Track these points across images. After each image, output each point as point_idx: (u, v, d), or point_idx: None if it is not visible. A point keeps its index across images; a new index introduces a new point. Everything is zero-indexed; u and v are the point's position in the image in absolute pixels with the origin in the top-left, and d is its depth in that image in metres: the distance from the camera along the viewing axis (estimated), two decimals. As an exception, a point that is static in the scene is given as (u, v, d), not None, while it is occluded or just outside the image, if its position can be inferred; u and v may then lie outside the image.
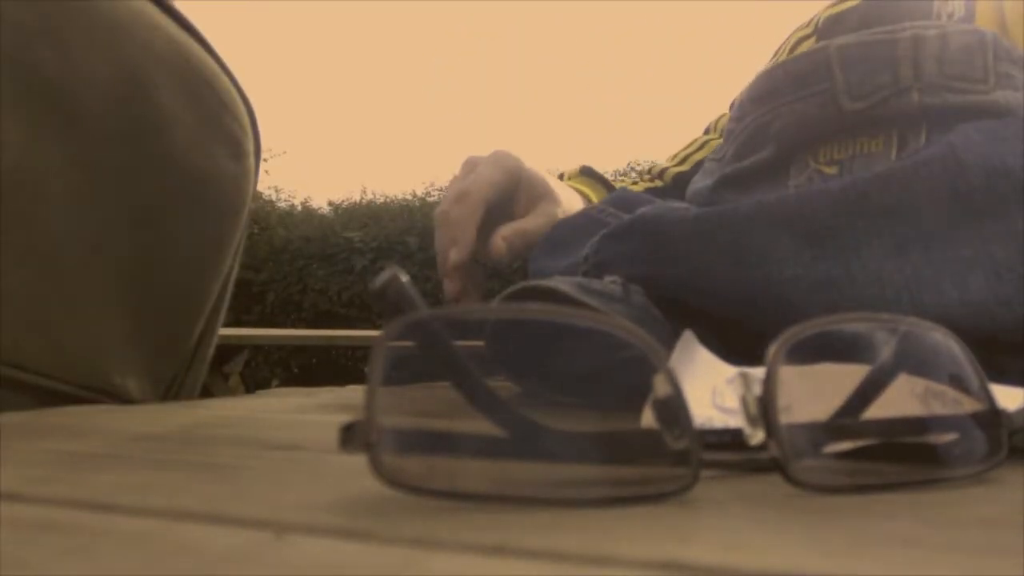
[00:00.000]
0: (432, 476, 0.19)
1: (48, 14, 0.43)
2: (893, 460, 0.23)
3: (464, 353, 0.22)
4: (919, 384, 0.24)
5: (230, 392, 2.99)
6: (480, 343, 0.37)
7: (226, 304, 0.52)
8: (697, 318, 0.37)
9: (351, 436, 0.19)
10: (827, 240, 0.36)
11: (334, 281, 5.82)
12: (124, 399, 0.46)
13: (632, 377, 0.22)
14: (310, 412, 0.41)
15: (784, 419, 0.21)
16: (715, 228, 0.39)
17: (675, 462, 0.21)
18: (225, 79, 0.51)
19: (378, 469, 0.19)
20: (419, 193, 6.74)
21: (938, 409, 0.24)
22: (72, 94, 0.43)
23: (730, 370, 0.31)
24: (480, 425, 0.22)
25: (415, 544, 0.17)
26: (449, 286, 0.57)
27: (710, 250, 0.39)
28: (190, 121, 0.48)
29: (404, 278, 0.22)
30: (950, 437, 0.24)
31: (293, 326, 5.71)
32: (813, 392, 0.23)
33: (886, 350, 0.24)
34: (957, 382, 0.24)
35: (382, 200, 6.62)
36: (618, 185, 0.78)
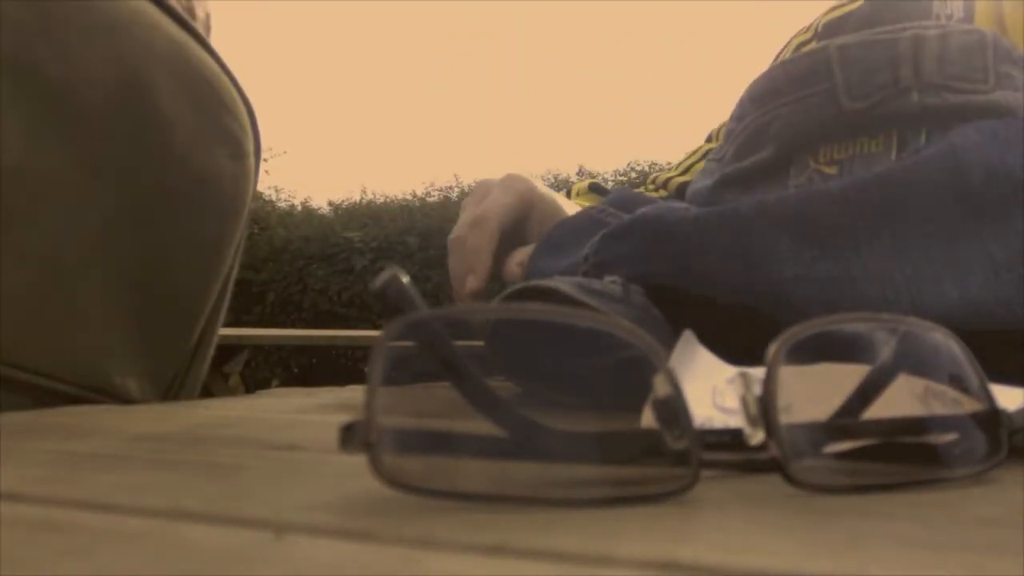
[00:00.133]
0: (432, 476, 0.19)
1: (48, 14, 0.43)
2: (893, 460, 0.23)
3: (464, 353, 0.22)
4: (919, 384, 0.24)
5: (230, 392, 3.00)
6: (480, 343, 0.37)
7: (226, 304, 0.52)
8: (697, 318, 0.37)
9: (351, 436, 0.19)
10: (827, 240, 0.36)
11: (334, 281, 5.82)
12: (124, 399, 0.46)
13: (632, 377, 0.22)
14: (310, 412, 0.41)
15: (784, 419, 0.21)
16: (715, 228, 0.39)
17: (675, 462, 0.21)
18: (225, 79, 0.51)
19: (378, 469, 0.19)
20: (419, 193, 6.74)
21: (938, 409, 0.24)
22: (72, 94, 0.43)
23: (730, 370, 0.31)
24: (480, 425, 0.22)
25: (415, 544, 0.17)
26: None
27: (710, 250, 0.39)
28: (190, 121, 0.48)
29: (404, 278, 0.22)
30: (950, 437, 0.24)
31: (293, 326, 5.71)
32: (813, 392, 0.23)
33: (886, 350, 0.24)
34: (957, 382, 0.24)
35: (382, 200, 6.63)
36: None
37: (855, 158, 0.42)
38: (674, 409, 0.21)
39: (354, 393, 0.51)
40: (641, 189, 0.78)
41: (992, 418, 0.24)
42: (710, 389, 0.29)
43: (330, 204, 6.78)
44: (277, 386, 5.33)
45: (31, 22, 0.42)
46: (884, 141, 0.42)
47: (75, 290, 0.44)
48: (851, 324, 0.25)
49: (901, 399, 0.24)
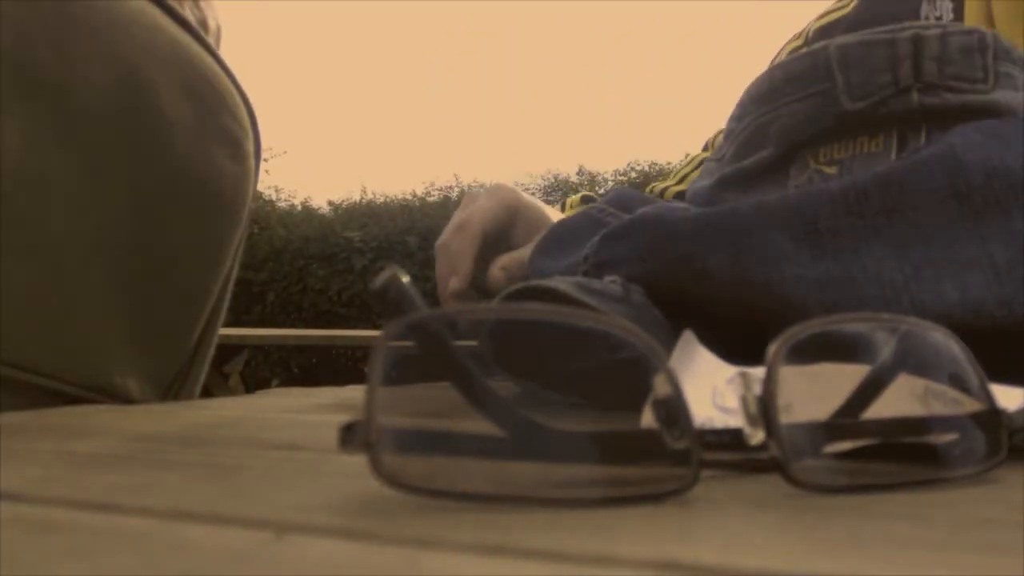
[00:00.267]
0: (432, 476, 0.19)
1: (48, 14, 0.43)
2: (893, 460, 0.23)
3: (464, 353, 0.22)
4: (919, 384, 0.24)
5: (230, 392, 3.00)
6: (477, 343, 0.37)
7: (226, 304, 0.52)
8: (697, 318, 0.37)
9: (351, 436, 0.19)
10: (827, 240, 0.36)
11: (334, 281, 5.82)
12: (124, 399, 0.46)
13: (632, 377, 0.22)
14: (310, 412, 0.41)
15: (784, 419, 0.21)
16: (715, 228, 0.39)
17: (675, 462, 0.21)
18: (225, 79, 0.51)
19: (378, 469, 0.19)
20: (419, 193, 6.75)
21: (938, 409, 0.24)
22: (72, 95, 0.43)
23: (730, 370, 0.31)
24: (480, 425, 0.22)
25: (415, 544, 0.17)
26: None
27: (710, 250, 0.39)
28: (190, 121, 0.48)
29: (404, 278, 0.22)
30: (950, 437, 0.24)
31: (293, 326, 5.71)
32: (813, 392, 0.23)
33: (886, 350, 0.24)
34: (957, 382, 0.24)
35: (382, 200, 6.63)
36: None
37: (855, 158, 0.42)
38: (674, 409, 0.21)
39: (354, 393, 0.51)
40: None
41: (992, 418, 0.24)
42: (710, 389, 0.29)
43: (330, 204, 6.78)
44: (277, 386, 5.33)
45: (31, 22, 0.42)
46: (884, 141, 0.42)
47: (75, 290, 0.44)
48: (851, 324, 0.25)
49: (901, 399, 0.24)
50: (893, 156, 0.41)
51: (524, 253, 0.60)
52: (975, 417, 0.24)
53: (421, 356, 0.22)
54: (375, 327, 4.68)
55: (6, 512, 0.19)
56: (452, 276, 0.60)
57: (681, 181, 0.76)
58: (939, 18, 0.63)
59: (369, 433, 0.19)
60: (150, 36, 0.47)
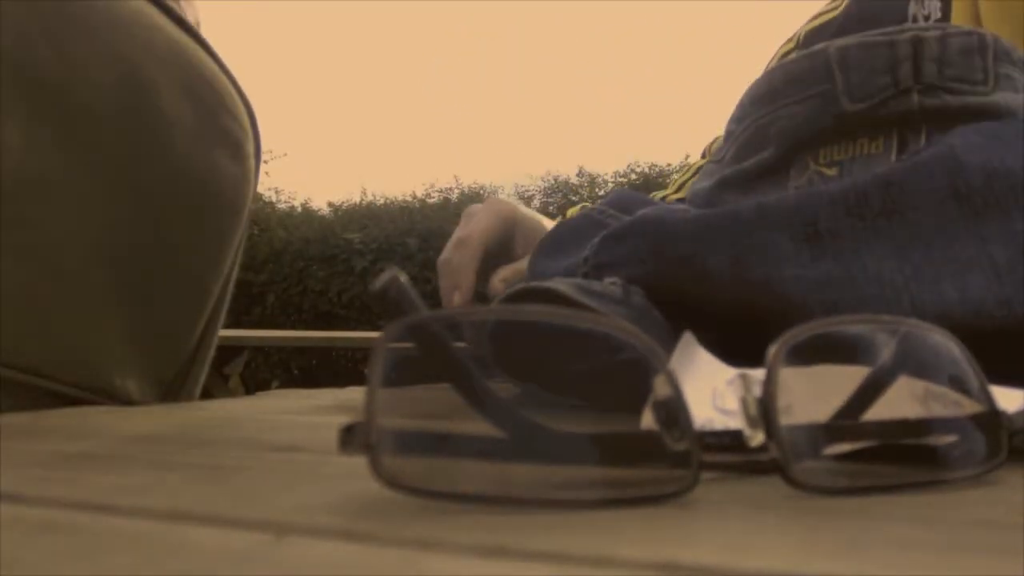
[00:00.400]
0: (432, 477, 0.19)
1: (48, 14, 0.43)
2: (893, 462, 0.23)
3: (464, 355, 0.22)
4: (919, 386, 0.24)
5: (230, 393, 3.00)
6: (478, 345, 0.37)
7: (226, 305, 0.52)
8: (697, 319, 0.37)
9: (351, 438, 0.19)
10: (827, 241, 0.36)
11: (334, 282, 5.82)
12: (124, 400, 0.46)
13: (632, 378, 0.22)
14: (310, 413, 0.41)
15: (784, 421, 0.21)
16: (715, 229, 0.39)
17: (675, 464, 0.21)
18: (225, 80, 0.51)
19: (378, 471, 0.19)
20: (419, 194, 6.75)
21: (938, 411, 0.24)
22: (72, 94, 0.43)
23: (730, 371, 0.31)
24: (480, 427, 0.22)
25: (415, 545, 0.17)
26: None
27: (710, 251, 0.39)
28: (190, 122, 0.48)
29: (404, 279, 0.22)
30: (950, 439, 0.24)
31: (293, 327, 5.71)
32: (813, 393, 0.23)
33: (886, 351, 0.24)
34: (957, 384, 0.24)
35: (382, 201, 6.63)
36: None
37: (855, 159, 0.42)
38: (674, 410, 0.21)
39: (354, 394, 0.51)
40: None
41: (992, 420, 0.24)
42: (710, 390, 0.29)
43: (330, 205, 6.78)
44: (277, 387, 5.33)
45: (31, 22, 0.42)
46: (884, 142, 0.42)
47: (75, 291, 0.44)
48: (851, 325, 0.25)
49: (901, 401, 0.24)
50: (893, 157, 0.41)
51: (524, 264, 0.61)
52: (975, 419, 0.24)
53: (421, 357, 0.22)
54: (375, 329, 4.68)
55: (6, 513, 0.19)
56: (455, 291, 0.61)
57: (679, 189, 0.76)
58: (927, 17, 0.63)
59: (369, 434, 0.19)
60: (150, 36, 0.47)
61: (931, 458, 0.24)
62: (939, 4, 0.61)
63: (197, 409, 0.43)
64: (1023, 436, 0.25)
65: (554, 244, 0.50)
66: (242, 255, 0.53)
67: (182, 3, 0.52)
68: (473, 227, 0.62)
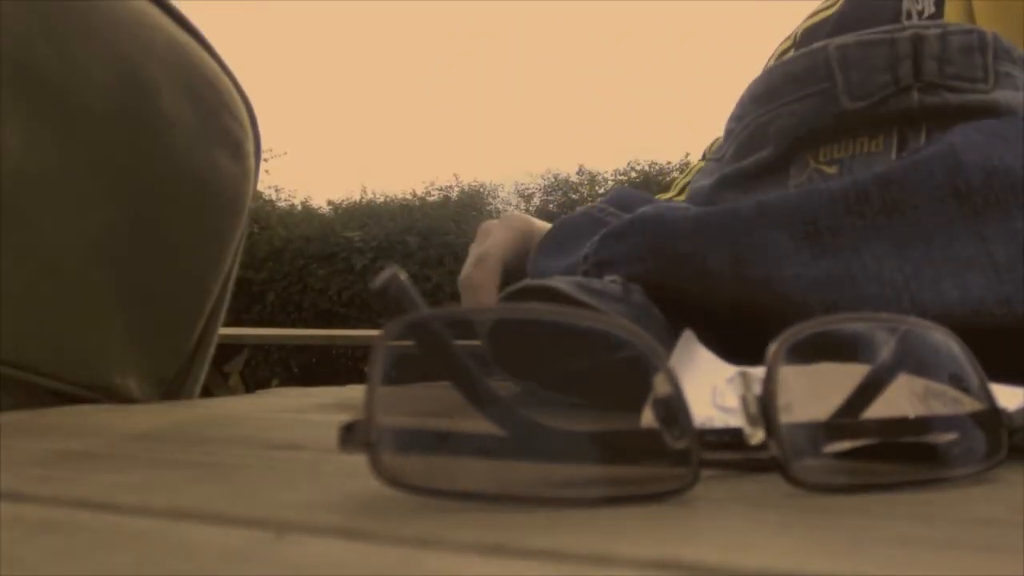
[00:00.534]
0: (432, 476, 0.19)
1: (48, 14, 0.43)
2: (893, 460, 0.23)
3: (464, 352, 0.22)
4: (919, 384, 0.24)
5: (230, 392, 3.00)
6: (478, 343, 0.37)
7: (226, 304, 0.52)
8: (697, 317, 0.37)
9: (351, 436, 0.19)
10: (827, 239, 0.36)
11: (334, 280, 5.83)
12: (124, 399, 0.46)
13: (632, 376, 0.22)
14: (310, 412, 0.41)
15: (784, 418, 0.21)
16: (715, 227, 0.39)
17: (675, 462, 0.21)
18: (225, 79, 0.51)
19: (378, 469, 0.19)
20: (419, 192, 6.75)
21: (938, 409, 0.24)
22: (72, 94, 0.43)
23: (730, 369, 0.31)
24: (480, 425, 0.22)
25: (415, 543, 0.17)
26: None
27: (710, 249, 0.39)
28: (190, 121, 0.48)
29: (404, 277, 0.22)
30: (950, 437, 0.24)
31: (293, 325, 5.71)
32: (813, 391, 0.23)
33: (886, 350, 0.24)
34: (957, 381, 0.24)
35: (382, 199, 6.64)
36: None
37: (855, 157, 0.42)
38: (674, 408, 0.21)
39: (354, 392, 0.51)
40: None
41: (992, 418, 0.24)
42: (710, 388, 0.29)
43: (330, 204, 6.78)
44: (277, 386, 5.33)
45: (31, 22, 0.42)
46: (884, 140, 0.42)
47: (75, 290, 0.44)
48: (851, 323, 0.25)
49: (901, 399, 0.24)
50: (893, 156, 0.41)
51: None
52: (975, 417, 0.24)
53: (421, 355, 0.22)
54: (375, 327, 4.68)
55: (6, 512, 0.19)
56: None
57: (681, 191, 0.77)
58: (920, 12, 0.63)
59: (369, 432, 0.19)
60: (150, 35, 0.47)
61: (931, 456, 0.24)
62: None
63: (197, 407, 0.43)
64: (1023, 434, 0.25)
65: (554, 242, 0.50)
66: (242, 253, 0.53)
67: None
68: (491, 243, 0.62)
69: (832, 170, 0.43)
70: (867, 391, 0.24)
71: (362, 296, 5.65)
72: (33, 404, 0.41)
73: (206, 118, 0.49)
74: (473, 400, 0.23)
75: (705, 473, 0.21)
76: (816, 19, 0.69)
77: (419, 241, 5.68)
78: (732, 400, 0.26)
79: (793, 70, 0.44)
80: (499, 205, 6.78)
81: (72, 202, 0.43)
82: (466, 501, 0.19)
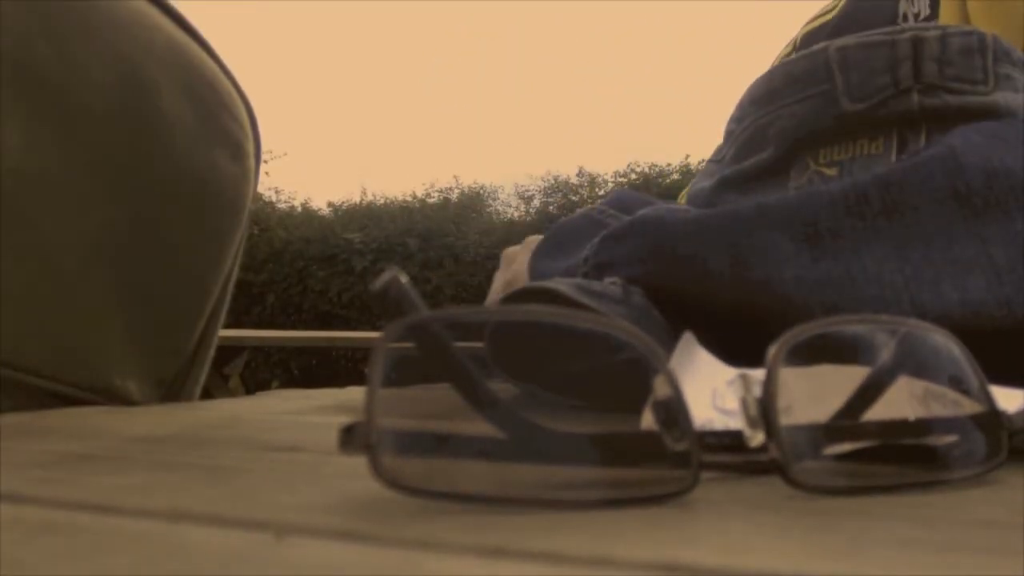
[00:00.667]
0: (432, 478, 0.19)
1: (48, 14, 0.43)
2: (893, 462, 0.23)
3: (464, 355, 0.22)
4: (919, 386, 0.24)
5: (230, 393, 3.00)
6: (480, 344, 0.37)
7: (226, 305, 0.52)
8: (697, 319, 0.37)
9: (351, 438, 0.19)
10: (827, 241, 0.36)
11: (334, 282, 5.83)
12: (124, 400, 0.46)
13: (632, 379, 0.22)
14: (310, 413, 0.41)
15: (784, 421, 0.21)
16: (715, 229, 0.39)
17: (675, 464, 0.21)
18: (225, 80, 0.51)
19: (378, 471, 0.19)
20: (419, 194, 6.75)
21: (938, 411, 0.24)
22: (72, 94, 0.43)
23: (730, 372, 0.31)
24: (480, 427, 0.22)
25: (415, 545, 0.17)
26: None
27: (710, 251, 0.39)
28: (190, 122, 0.48)
29: (404, 279, 0.22)
30: (950, 439, 0.24)
31: (293, 327, 5.71)
32: (813, 394, 0.23)
33: (886, 352, 0.24)
34: (957, 384, 0.24)
35: (382, 201, 6.64)
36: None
37: (855, 159, 0.42)
38: (674, 411, 0.21)
39: (354, 394, 0.51)
40: None
41: (992, 420, 0.24)
42: (710, 391, 0.29)
43: (330, 205, 6.78)
44: (277, 387, 5.33)
45: (31, 22, 0.42)
46: (884, 142, 0.42)
47: (75, 291, 0.44)
48: (851, 326, 0.25)
49: (901, 401, 0.24)
50: (893, 158, 0.41)
51: None
52: (975, 419, 0.24)
53: (421, 358, 0.22)
54: (375, 329, 4.68)
55: (6, 513, 0.19)
56: None
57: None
58: (917, 15, 0.63)
59: (369, 435, 0.19)
60: (150, 36, 0.47)
61: (931, 458, 0.24)
62: (927, 1, 0.62)
63: (197, 409, 0.43)
64: (1023, 436, 0.25)
65: (554, 244, 0.50)
66: (242, 255, 0.53)
67: None
68: (517, 269, 0.63)
69: (832, 172, 0.43)
70: (867, 393, 0.24)
71: (362, 298, 5.65)
72: (33, 406, 0.41)
73: (206, 119, 0.49)
74: (473, 402, 0.23)
75: (705, 475, 0.21)
76: (816, 24, 0.70)
77: (419, 243, 5.69)
78: (732, 402, 0.26)
79: (793, 72, 0.45)
80: (499, 207, 6.79)
81: (72, 202, 0.43)
82: (466, 503, 0.19)
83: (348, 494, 0.21)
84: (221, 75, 0.51)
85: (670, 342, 0.34)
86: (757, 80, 0.47)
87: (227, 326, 0.56)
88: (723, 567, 0.15)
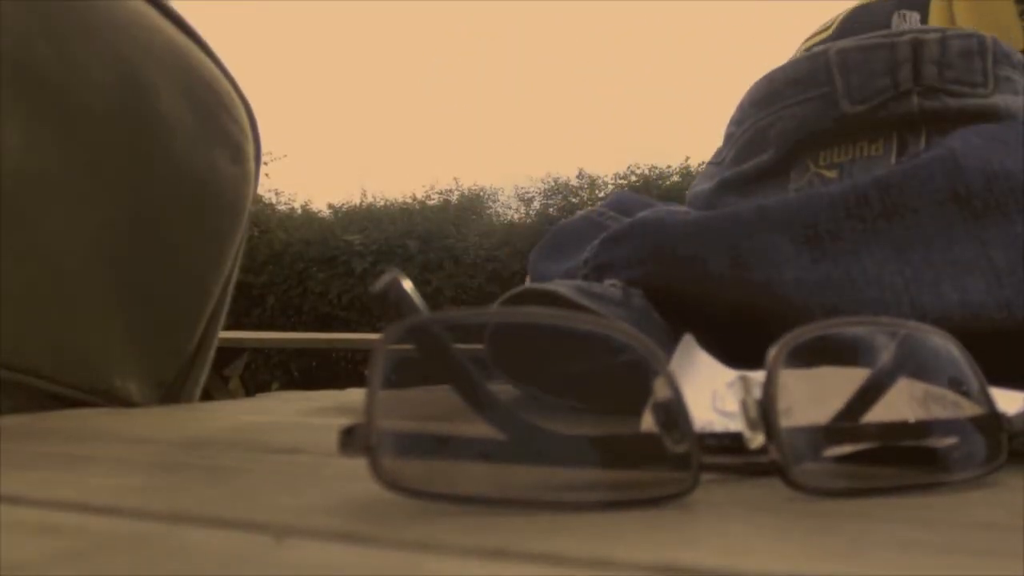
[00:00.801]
0: (432, 479, 0.19)
1: (48, 15, 0.43)
2: (893, 464, 0.23)
3: (464, 356, 0.22)
4: (919, 388, 0.24)
5: (230, 395, 2.99)
6: (480, 346, 0.37)
7: (226, 307, 0.52)
8: (697, 321, 0.37)
9: (351, 439, 0.19)
10: (827, 243, 0.36)
11: (334, 284, 5.83)
12: (124, 402, 0.46)
13: (632, 381, 0.22)
14: (310, 415, 0.41)
15: (784, 423, 0.21)
16: (715, 231, 0.39)
17: (675, 466, 0.21)
18: (225, 82, 0.51)
19: (378, 472, 0.19)
20: (419, 196, 6.75)
21: (938, 413, 0.24)
22: (72, 95, 0.43)
23: (730, 373, 0.31)
24: (480, 428, 0.22)
25: (415, 547, 0.17)
26: None
27: (710, 253, 0.39)
28: (190, 124, 0.48)
29: (405, 281, 0.22)
30: (950, 441, 0.24)
31: (293, 329, 5.71)
32: (813, 396, 0.23)
33: (886, 354, 0.24)
34: (957, 386, 0.24)
35: (382, 203, 6.64)
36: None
37: (855, 161, 0.42)
38: (674, 413, 0.21)
39: (354, 396, 0.51)
40: None
41: (992, 422, 0.24)
42: (710, 393, 0.29)
43: (330, 207, 6.78)
44: (277, 389, 5.33)
45: (31, 22, 0.42)
46: (884, 145, 0.42)
47: (75, 292, 0.44)
48: (851, 328, 0.25)
49: (901, 403, 0.24)
50: (893, 160, 0.41)
51: None
52: (975, 421, 0.24)
53: (421, 359, 0.22)
54: (375, 330, 4.68)
55: (6, 515, 0.19)
56: None
57: None
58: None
59: (369, 436, 0.19)
60: (150, 37, 0.47)
61: (931, 460, 0.24)
62: (918, 16, 0.62)
63: (197, 411, 0.43)
64: (1023, 438, 0.25)
65: (554, 246, 0.50)
66: (242, 257, 0.53)
67: None
68: None
69: (832, 174, 0.43)
70: (867, 395, 0.24)
71: (362, 300, 5.65)
72: (33, 408, 0.41)
73: (205, 120, 0.49)
74: (473, 404, 0.23)
75: (705, 477, 0.21)
76: (812, 42, 0.70)
77: (419, 245, 5.69)
78: (732, 404, 0.26)
79: (793, 74, 0.45)
80: (499, 209, 6.79)
81: (72, 202, 0.43)
82: (466, 505, 0.19)
83: (348, 496, 0.21)
84: (221, 76, 0.51)
85: (670, 344, 0.34)
86: (757, 82, 0.47)
87: (227, 328, 0.56)
88: (723, 568, 0.15)
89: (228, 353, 3.18)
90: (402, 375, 0.20)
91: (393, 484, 0.19)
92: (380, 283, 0.21)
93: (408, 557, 0.16)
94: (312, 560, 0.16)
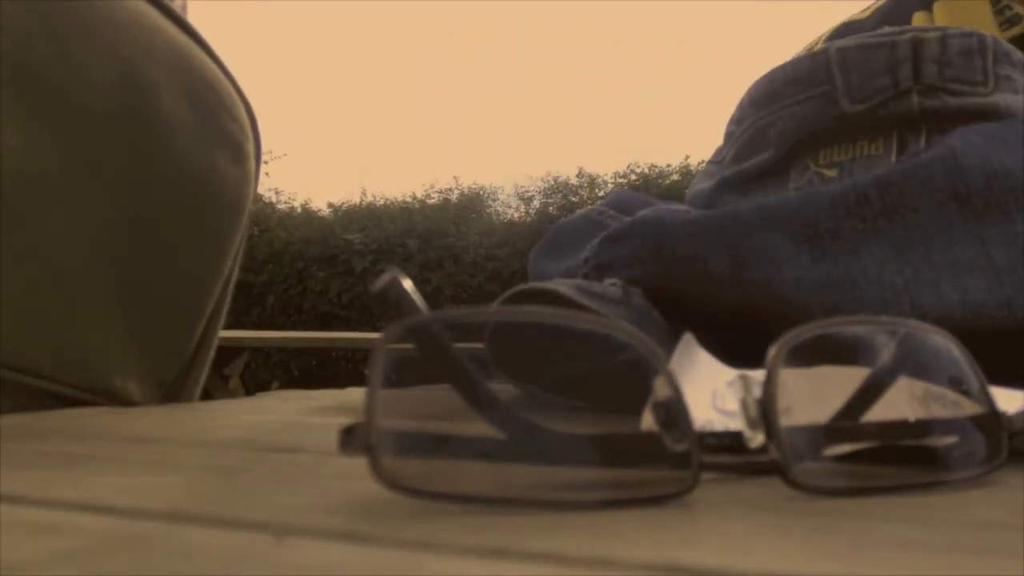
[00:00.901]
0: (432, 479, 0.19)
1: (48, 15, 0.43)
2: (893, 463, 0.23)
3: (464, 355, 0.22)
4: (919, 387, 0.24)
5: (230, 394, 3.00)
6: (480, 345, 0.37)
7: (226, 306, 0.52)
8: (697, 320, 0.37)
9: (351, 439, 0.19)
10: (827, 242, 0.36)
11: (334, 283, 5.83)
12: (124, 401, 0.46)
13: (632, 379, 0.22)
14: (310, 414, 0.41)
15: (784, 422, 0.21)
16: (715, 230, 0.39)
17: (675, 465, 0.21)
18: (225, 82, 0.51)
19: (378, 472, 0.19)
20: (419, 195, 6.75)
21: (938, 412, 0.24)
22: (72, 95, 0.43)
23: (730, 372, 0.31)
24: (480, 428, 0.22)
25: (415, 547, 0.17)
26: None
27: (710, 252, 0.39)
28: (190, 123, 0.48)
29: (405, 280, 0.22)
30: (950, 440, 0.24)
31: (293, 328, 5.71)
32: (813, 395, 0.23)
33: (886, 353, 0.24)
34: (957, 385, 0.24)
35: (382, 202, 6.64)
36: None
37: (855, 160, 0.42)
38: (674, 412, 0.21)
39: (354, 395, 0.51)
40: None
41: (992, 421, 0.24)
42: (710, 392, 0.29)
43: (330, 206, 6.78)
44: (277, 388, 5.33)
45: (31, 22, 0.42)
46: (884, 144, 0.42)
47: (75, 291, 0.44)
48: (851, 327, 0.25)
49: (901, 402, 0.24)
50: (893, 159, 0.41)
51: None
52: (975, 420, 0.24)
53: (421, 358, 0.22)
54: (375, 330, 4.68)
55: (6, 515, 0.19)
56: None
57: None
58: None
59: (369, 435, 0.19)
60: (150, 37, 0.47)
61: (931, 459, 0.24)
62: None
63: (197, 410, 0.43)
64: (1023, 437, 0.25)
65: (554, 245, 0.50)
66: (242, 256, 0.53)
67: None
68: None
69: (832, 173, 0.43)
70: (867, 394, 0.24)
71: (362, 299, 5.65)
72: (33, 407, 0.41)
73: (206, 120, 0.49)
74: (473, 403, 0.23)
75: (705, 476, 0.21)
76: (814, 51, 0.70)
77: (419, 244, 5.69)
78: (732, 403, 0.26)
79: (793, 73, 0.45)
80: (499, 208, 6.79)
81: (72, 202, 0.43)
82: (466, 504, 0.19)
83: (348, 495, 0.21)
84: (221, 76, 0.51)
85: (670, 343, 0.34)
86: (757, 81, 0.47)
87: (227, 327, 0.56)
88: (723, 568, 0.15)
89: (228, 352, 3.18)
90: (402, 374, 0.20)
91: (393, 483, 0.19)
92: (380, 282, 0.21)
93: (408, 556, 0.16)
94: (312, 559, 0.16)
